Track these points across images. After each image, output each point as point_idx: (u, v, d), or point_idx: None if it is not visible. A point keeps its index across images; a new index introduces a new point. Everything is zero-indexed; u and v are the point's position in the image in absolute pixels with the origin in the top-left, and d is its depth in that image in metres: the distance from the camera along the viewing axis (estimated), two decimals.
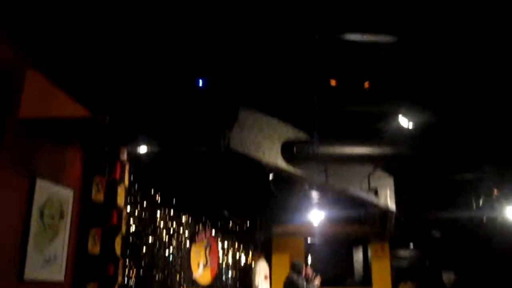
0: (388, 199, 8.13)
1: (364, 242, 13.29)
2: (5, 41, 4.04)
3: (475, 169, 7.78)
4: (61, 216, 4.66)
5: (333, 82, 5.55)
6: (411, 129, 6.22)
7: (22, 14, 4.10)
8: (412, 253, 13.81)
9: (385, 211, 8.55)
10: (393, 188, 8.24)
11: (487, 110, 6.10)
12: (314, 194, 9.13)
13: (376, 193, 8.00)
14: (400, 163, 7.36)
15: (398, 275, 12.94)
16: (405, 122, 6.16)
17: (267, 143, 6.15)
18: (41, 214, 4.37)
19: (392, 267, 12.98)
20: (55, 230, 4.58)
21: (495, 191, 9.02)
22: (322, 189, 8.54)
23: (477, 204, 9.63)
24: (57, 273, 4.60)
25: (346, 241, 13.39)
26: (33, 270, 4.24)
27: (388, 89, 5.87)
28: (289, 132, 6.49)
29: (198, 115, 4.96)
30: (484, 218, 9.91)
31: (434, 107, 6.12)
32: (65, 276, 4.69)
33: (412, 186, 9.14)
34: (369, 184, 7.87)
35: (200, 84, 5.15)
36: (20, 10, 4.06)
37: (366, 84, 5.68)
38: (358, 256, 13.49)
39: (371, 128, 6.63)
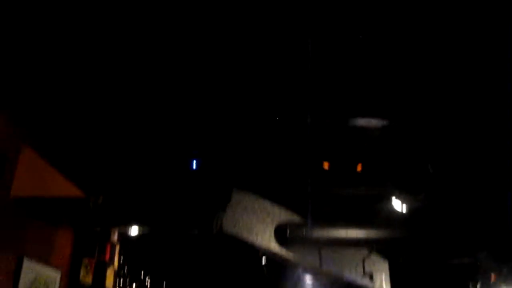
0: (383, 284, 7.97)
1: None
2: (1, 119, 4.10)
3: (472, 254, 7.69)
4: None
5: (326, 165, 5.59)
6: (404, 213, 6.20)
7: (19, 95, 4.18)
8: None
9: None
10: (388, 273, 8.10)
11: (483, 196, 6.11)
12: (308, 278, 8.95)
13: (371, 277, 7.85)
14: (395, 246, 7.27)
15: None
16: (398, 205, 6.15)
17: (260, 226, 6.10)
18: None
19: None
20: None
21: (493, 277, 8.87)
22: (316, 273, 8.38)
23: None
24: None
25: None
26: None
27: (381, 172, 5.90)
28: (282, 215, 6.46)
29: (191, 196, 4.95)
30: None
31: (427, 191, 6.13)
32: None
33: (408, 270, 8.99)
34: (364, 268, 7.74)
35: (193, 166, 5.18)
36: (17, 91, 4.15)
37: (359, 167, 5.72)
38: None
39: (364, 211, 6.61)
